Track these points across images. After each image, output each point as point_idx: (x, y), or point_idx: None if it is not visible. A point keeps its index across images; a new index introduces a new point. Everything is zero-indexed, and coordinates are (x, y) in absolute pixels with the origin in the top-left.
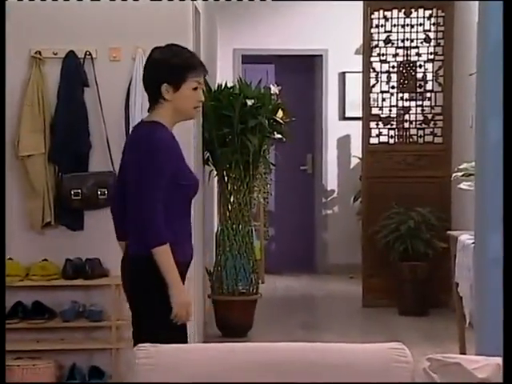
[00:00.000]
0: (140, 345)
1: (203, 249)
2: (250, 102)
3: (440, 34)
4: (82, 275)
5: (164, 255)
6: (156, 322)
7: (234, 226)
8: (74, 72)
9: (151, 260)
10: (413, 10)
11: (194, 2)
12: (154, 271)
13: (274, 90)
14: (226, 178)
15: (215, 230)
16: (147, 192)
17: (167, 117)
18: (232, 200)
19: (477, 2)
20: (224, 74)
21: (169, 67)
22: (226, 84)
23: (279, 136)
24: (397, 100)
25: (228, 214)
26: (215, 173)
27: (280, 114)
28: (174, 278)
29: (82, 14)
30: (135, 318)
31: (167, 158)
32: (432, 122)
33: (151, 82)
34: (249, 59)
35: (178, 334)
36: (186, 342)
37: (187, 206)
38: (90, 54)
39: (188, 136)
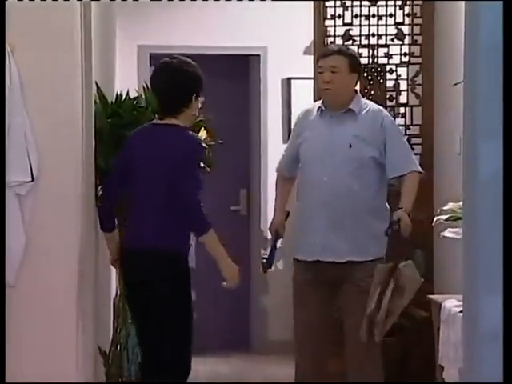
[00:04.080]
0: None
1: (94, 322)
2: None
3: (417, 29)
4: None
5: (214, 235)
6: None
7: None
8: None
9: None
10: None
11: None
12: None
13: None
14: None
15: (112, 294)
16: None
17: (186, 123)
18: None
19: None
20: (126, 79)
21: (200, 81)
22: (127, 94)
23: (201, 165)
24: None
25: None
26: None
27: (203, 134)
28: (222, 253)
29: None
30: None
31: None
32: None
33: (185, 92)
34: (160, 60)
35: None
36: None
37: None
38: None
39: (74, 165)
